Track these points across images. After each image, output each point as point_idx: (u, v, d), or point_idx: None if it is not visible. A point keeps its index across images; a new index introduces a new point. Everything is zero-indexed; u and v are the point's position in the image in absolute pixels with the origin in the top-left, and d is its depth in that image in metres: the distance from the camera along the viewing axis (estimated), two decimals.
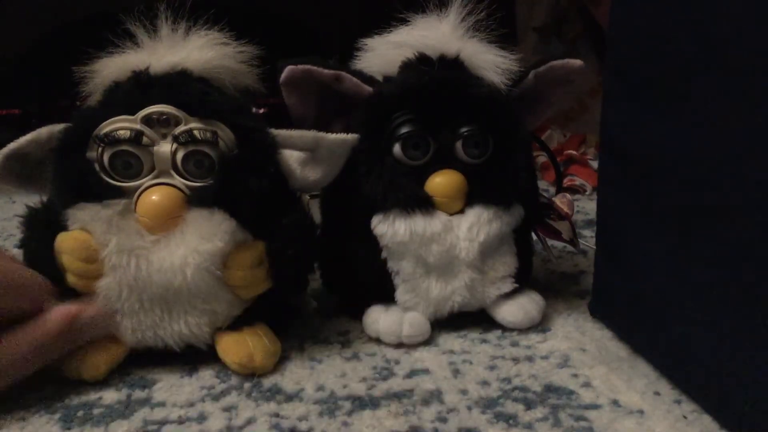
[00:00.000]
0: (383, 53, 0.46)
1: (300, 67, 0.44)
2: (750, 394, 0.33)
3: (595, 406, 0.37)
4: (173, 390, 0.40)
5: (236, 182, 0.40)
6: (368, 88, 0.45)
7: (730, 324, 0.33)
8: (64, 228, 0.39)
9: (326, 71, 0.44)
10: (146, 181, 0.40)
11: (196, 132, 0.39)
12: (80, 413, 0.37)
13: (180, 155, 0.40)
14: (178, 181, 0.40)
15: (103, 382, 0.40)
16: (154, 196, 0.39)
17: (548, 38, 1.06)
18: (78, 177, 0.39)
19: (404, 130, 0.43)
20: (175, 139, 0.39)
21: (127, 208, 0.39)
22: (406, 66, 0.45)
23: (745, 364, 0.33)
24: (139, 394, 0.39)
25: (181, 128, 0.40)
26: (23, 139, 0.40)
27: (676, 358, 0.38)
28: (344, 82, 0.45)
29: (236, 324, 0.41)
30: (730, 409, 0.34)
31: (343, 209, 0.46)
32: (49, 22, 1.01)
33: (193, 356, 0.42)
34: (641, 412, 0.37)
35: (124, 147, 0.39)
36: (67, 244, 0.39)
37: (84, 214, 0.39)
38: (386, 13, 0.45)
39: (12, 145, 0.40)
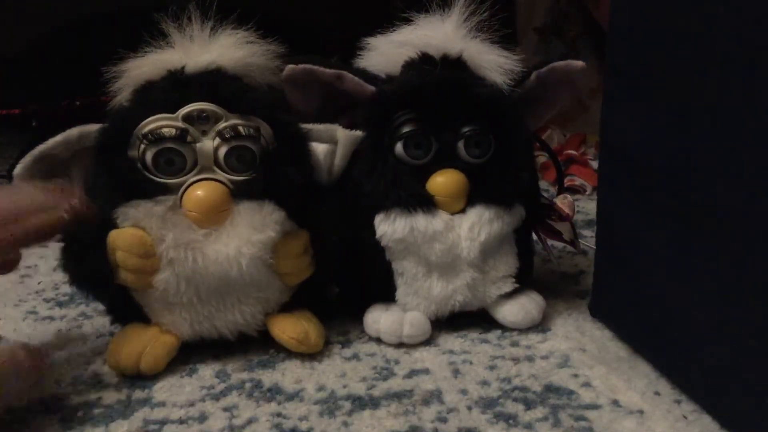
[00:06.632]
0: (386, 52, 0.46)
1: (300, 66, 0.44)
2: (750, 394, 0.33)
3: (595, 406, 0.37)
4: (173, 390, 0.40)
5: (281, 174, 0.41)
6: (370, 87, 0.45)
7: (731, 324, 0.33)
8: (114, 226, 0.40)
9: (327, 71, 0.44)
10: (190, 177, 0.40)
11: (240, 128, 0.40)
12: (80, 413, 0.37)
13: (222, 151, 0.40)
14: (221, 175, 0.41)
15: (103, 382, 0.40)
16: (201, 191, 0.40)
17: (548, 38, 1.06)
18: (124, 175, 0.40)
19: (406, 129, 0.43)
20: (219, 134, 0.40)
21: (175, 204, 0.40)
22: (409, 65, 0.45)
23: (745, 365, 0.33)
24: (139, 394, 0.39)
25: (224, 124, 0.40)
26: (53, 141, 0.41)
27: (676, 358, 0.38)
28: (346, 81, 0.45)
29: (284, 310, 0.43)
30: (730, 409, 0.34)
31: (345, 208, 0.46)
32: (48, 22, 1.01)
33: (193, 356, 0.43)
34: (641, 412, 0.37)
35: (169, 145, 0.40)
36: (123, 240, 0.39)
37: (137, 212, 0.39)
38: (389, 13, 0.45)
39: (41, 147, 0.40)
